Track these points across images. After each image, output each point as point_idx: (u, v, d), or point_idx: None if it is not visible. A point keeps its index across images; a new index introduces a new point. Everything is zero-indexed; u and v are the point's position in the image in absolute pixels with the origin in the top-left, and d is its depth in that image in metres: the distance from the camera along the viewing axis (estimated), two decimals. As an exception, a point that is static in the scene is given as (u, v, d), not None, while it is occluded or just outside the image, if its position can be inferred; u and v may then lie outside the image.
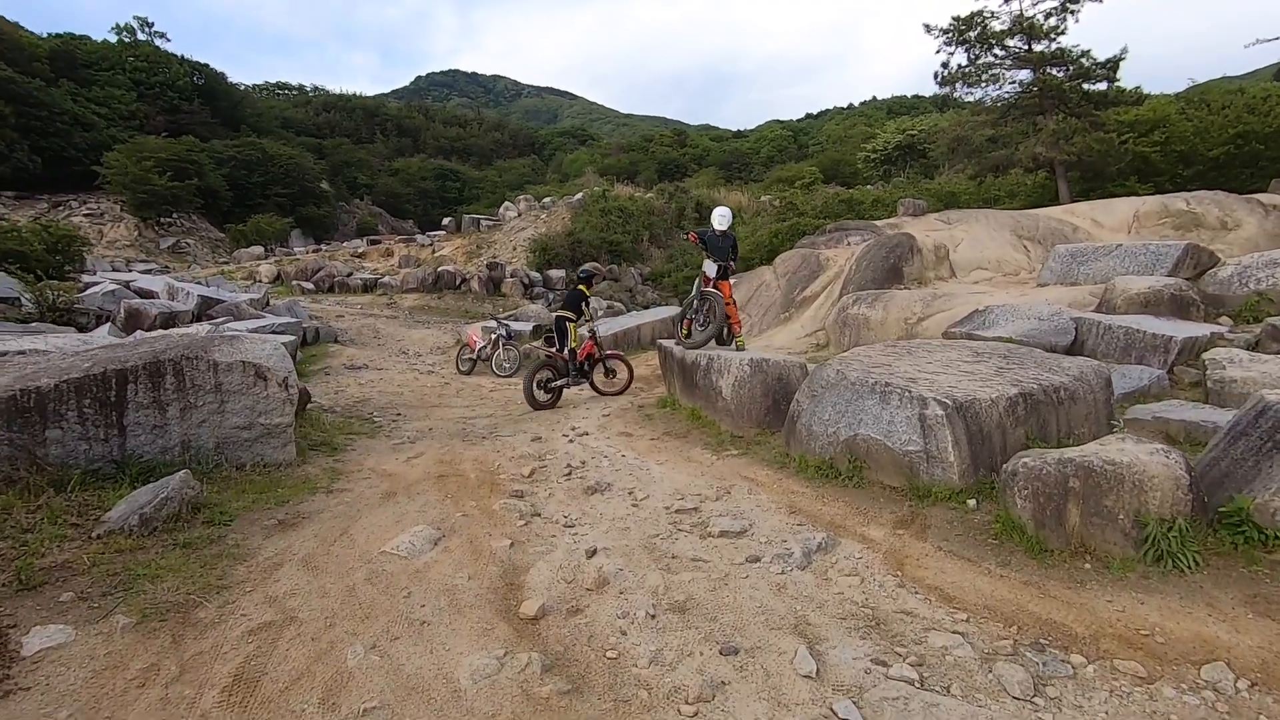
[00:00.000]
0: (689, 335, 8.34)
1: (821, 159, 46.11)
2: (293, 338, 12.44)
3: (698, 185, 38.12)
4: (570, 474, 6.05)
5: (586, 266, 10.75)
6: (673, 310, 15.57)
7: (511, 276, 25.95)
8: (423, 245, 32.93)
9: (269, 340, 5.99)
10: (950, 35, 19.86)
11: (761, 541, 4.41)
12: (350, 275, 27.18)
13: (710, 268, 7.95)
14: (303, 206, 46.04)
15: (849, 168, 43.23)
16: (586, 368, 10.02)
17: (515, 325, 14.77)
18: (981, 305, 9.81)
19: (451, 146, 66.32)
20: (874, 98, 75.89)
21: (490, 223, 33.93)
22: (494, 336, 12.76)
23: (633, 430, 7.56)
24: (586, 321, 10.15)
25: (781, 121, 70.89)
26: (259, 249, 35.51)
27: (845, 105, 78.38)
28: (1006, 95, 20.15)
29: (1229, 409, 6.43)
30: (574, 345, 9.94)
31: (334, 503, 5.15)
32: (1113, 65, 19.03)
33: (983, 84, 20.00)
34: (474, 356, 12.95)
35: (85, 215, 38.35)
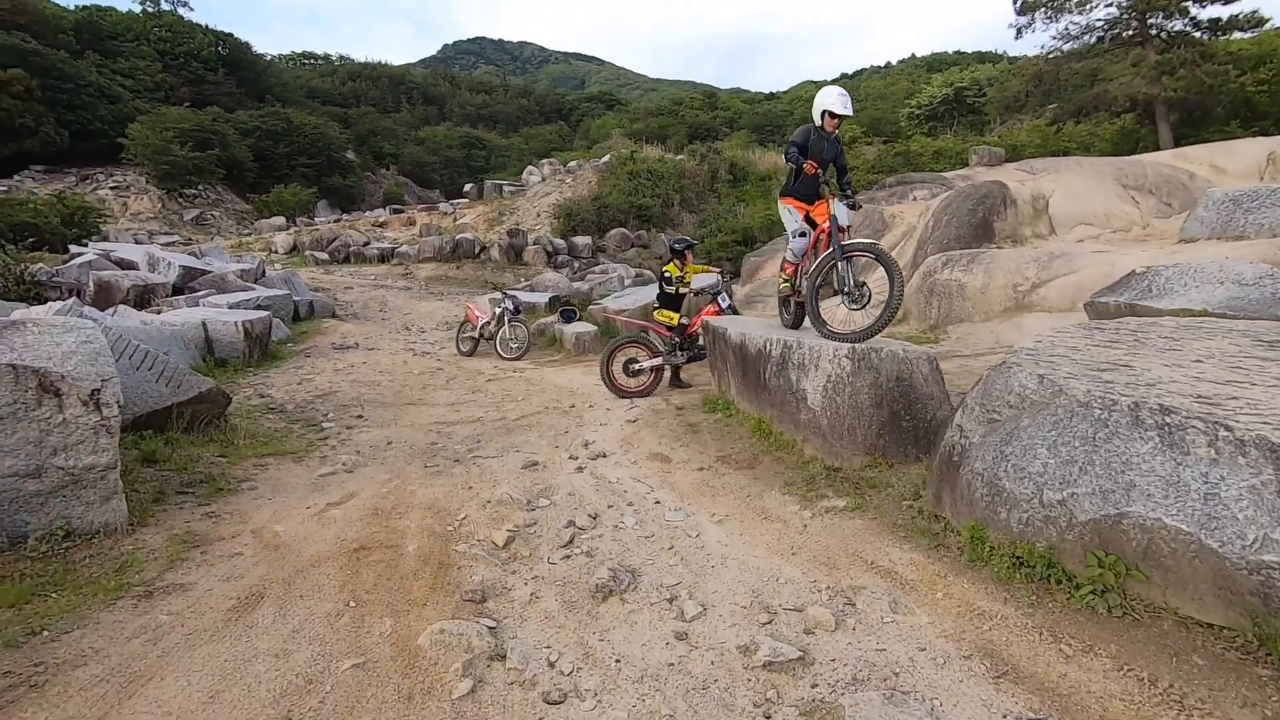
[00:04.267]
0: (819, 320, 4.78)
1: (862, 117, 42.26)
2: (263, 314, 10.18)
3: (731, 147, 34.87)
4: (571, 545, 3.57)
5: (683, 238, 7.95)
6: (710, 279, 12.87)
7: (534, 244, 23.47)
8: (445, 214, 30.66)
9: (78, 327, 3.57)
10: (1032, -47, 16.48)
11: (972, 785, 1.89)
12: (366, 245, 25.07)
13: (842, 211, 4.77)
14: (328, 177, 43.95)
15: (891, 125, 39.57)
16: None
17: (525, 297, 12.25)
18: (1139, 267, 7.01)
19: (477, 114, 63.08)
20: (913, 55, 70.64)
21: (513, 189, 31.39)
22: (498, 311, 10.28)
23: (671, 451, 5.03)
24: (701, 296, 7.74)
25: (816, 82, 66.28)
26: (280, 220, 33.61)
27: (882, 64, 73.20)
28: (1098, 23, 16.75)
29: None
30: (675, 323, 7.37)
31: (132, 628, 2.74)
32: (1231, -20, 15.55)
33: (1069, 10, 16.62)
34: (475, 335, 10.51)
35: (111, 188, 36.83)
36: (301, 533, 3.72)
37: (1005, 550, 2.89)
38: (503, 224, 27.25)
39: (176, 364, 5.58)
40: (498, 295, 10.86)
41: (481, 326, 10.41)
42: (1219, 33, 16.22)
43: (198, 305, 11.65)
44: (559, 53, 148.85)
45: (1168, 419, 2.57)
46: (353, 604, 2.97)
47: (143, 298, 12.76)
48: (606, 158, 30.86)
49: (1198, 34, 16.17)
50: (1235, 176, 13.20)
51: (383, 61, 68.89)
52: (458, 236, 24.10)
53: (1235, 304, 5.82)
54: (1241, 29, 16.41)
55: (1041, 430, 2.88)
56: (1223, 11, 16.12)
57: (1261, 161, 13.12)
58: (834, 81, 68.57)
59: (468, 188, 33.41)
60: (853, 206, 4.88)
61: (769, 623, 2.73)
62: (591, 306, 12.12)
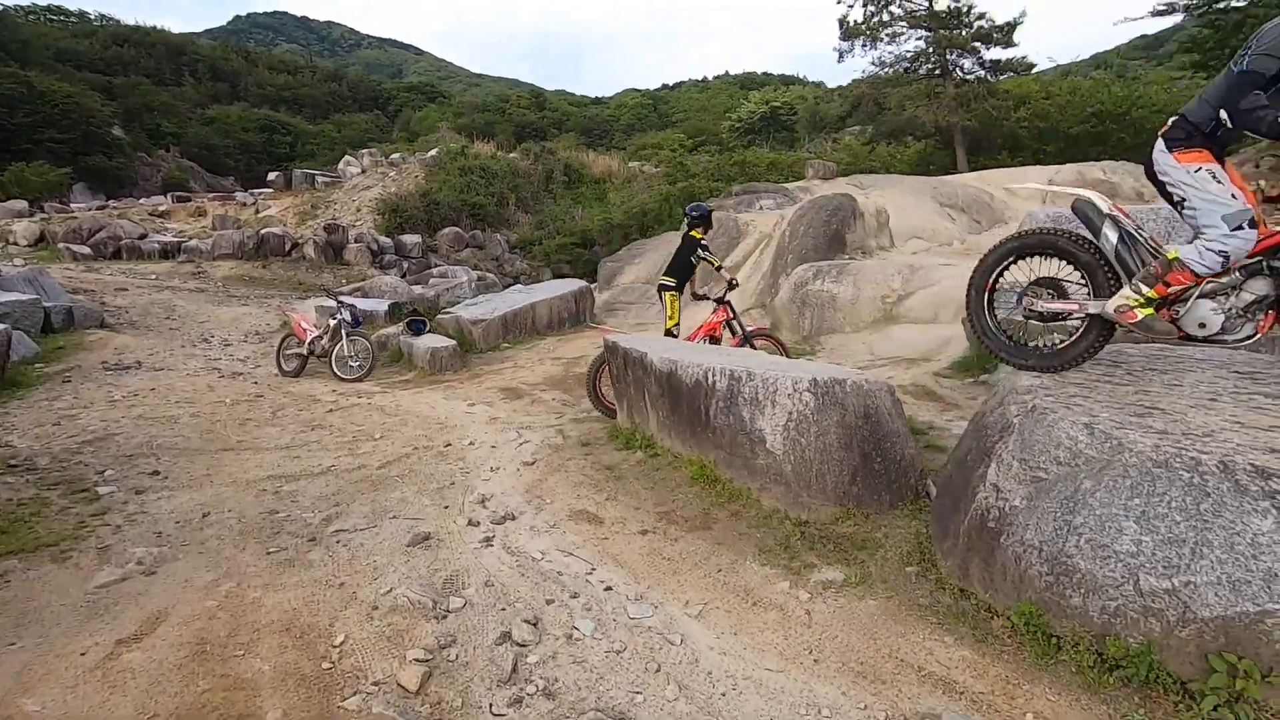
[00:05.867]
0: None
1: (686, 127, 43.61)
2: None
3: (564, 148, 34.01)
4: (517, 677, 2.53)
5: (699, 204, 6.95)
6: (574, 284, 11.96)
7: (356, 241, 20.99)
8: (244, 204, 26.54)
9: None
10: (853, -15, 17.57)
11: None
12: (143, 237, 20.95)
13: None
14: (87, 156, 36.43)
15: (713, 137, 41.13)
16: None
17: (364, 304, 10.50)
18: (1004, 284, 7.23)
19: (279, 96, 55.94)
20: (727, 72, 74.47)
21: (327, 179, 28.02)
22: (333, 323, 8.55)
23: (597, 507, 4.09)
24: (718, 278, 6.79)
25: (639, 90, 67.45)
26: (22, 204, 27.13)
27: (700, 78, 76.35)
28: (908, 54, 18.26)
29: None
30: (672, 324, 6.55)
31: None
32: (1009, 29, 17.68)
33: (882, 40, 17.95)
34: (304, 351, 8.68)
35: None
36: (75, 711, 2.30)
37: (1084, 645, 2.36)
38: (317, 218, 24.22)
39: None
40: (330, 303, 9.08)
41: (311, 341, 8.61)
42: (998, 73, 18.44)
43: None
44: (373, 37, 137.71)
45: (1272, 484, 2.16)
46: None
47: None
48: (434, 151, 28.67)
49: (983, 73, 18.24)
50: (1023, 199, 14.85)
51: (158, 27, 58.96)
52: (263, 231, 20.92)
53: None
54: (1015, 71, 18.83)
55: (1117, 496, 2.38)
56: (1002, 55, 18.42)
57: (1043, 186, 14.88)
58: (657, 90, 70.19)
59: (272, 176, 29.20)
60: None
61: (848, 797, 1.95)
62: (441, 316, 10.67)
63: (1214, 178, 2.67)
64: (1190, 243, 2.80)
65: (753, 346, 6.42)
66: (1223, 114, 2.61)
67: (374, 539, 3.74)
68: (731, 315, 6.56)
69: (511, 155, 30.20)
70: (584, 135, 48.30)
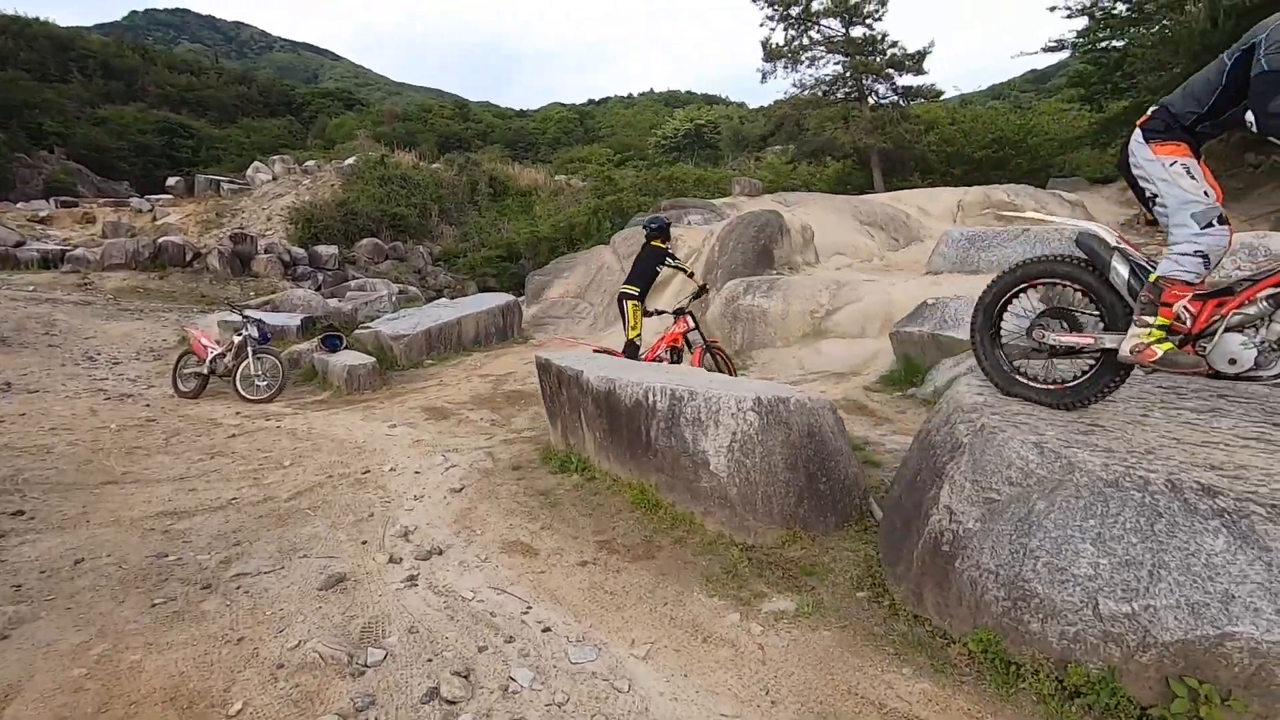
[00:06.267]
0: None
1: (613, 142, 43.75)
2: None
3: (490, 160, 33.37)
4: (447, 741, 2.25)
5: (658, 215, 7.05)
6: (501, 298, 11.57)
7: (266, 252, 19.76)
8: (140, 211, 24.64)
9: None
10: (775, 10, 18.05)
11: None
12: (20, 245, 19.08)
13: None
14: (-45, 154, 33.02)
15: (639, 152, 41.43)
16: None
17: (273, 319, 9.77)
18: (930, 299, 7.42)
19: (181, 97, 52.40)
20: (651, 90, 75.57)
21: (235, 186, 26.38)
22: (237, 339, 7.88)
23: (532, 537, 3.81)
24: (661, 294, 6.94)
25: (565, 104, 67.34)
26: (-128, 206, 24.23)
27: (626, 94, 77.10)
28: (826, 77, 18.93)
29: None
30: (634, 335, 6.52)
31: None
32: (920, 57, 18.60)
33: (803, 64, 18.53)
34: (204, 370, 7.96)
35: None
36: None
37: (1044, 673, 2.29)
38: (223, 227, 22.76)
39: None
40: (235, 317, 8.38)
41: (213, 358, 7.90)
42: (910, 99, 19.37)
43: None
44: (285, 40, 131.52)
45: (1219, 502, 2.16)
46: None
47: None
48: (352, 159, 27.52)
49: (896, 98, 19.13)
50: (936, 218, 15.54)
51: (41, 18, 54.26)
52: (161, 240, 19.40)
53: (1021, 335, 6.29)
54: (925, 97, 19.84)
55: (1071, 518, 2.33)
56: (913, 82, 19.37)
57: (954, 206, 15.64)
58: (583, 105, 70.28)
59: (172, 181, 27.19)
60: None
61: None
62: (359, 331, 10.07)
63: (1188, 173, 2.54)
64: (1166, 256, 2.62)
65: (714, 357, 6.46)
66: (1249, 116, 2.39)
67: (281, 583, 3.34)
68: (693, 326, 6.55)
69: (435, 166, 29.38)
70: (509, 148, 47.63)
